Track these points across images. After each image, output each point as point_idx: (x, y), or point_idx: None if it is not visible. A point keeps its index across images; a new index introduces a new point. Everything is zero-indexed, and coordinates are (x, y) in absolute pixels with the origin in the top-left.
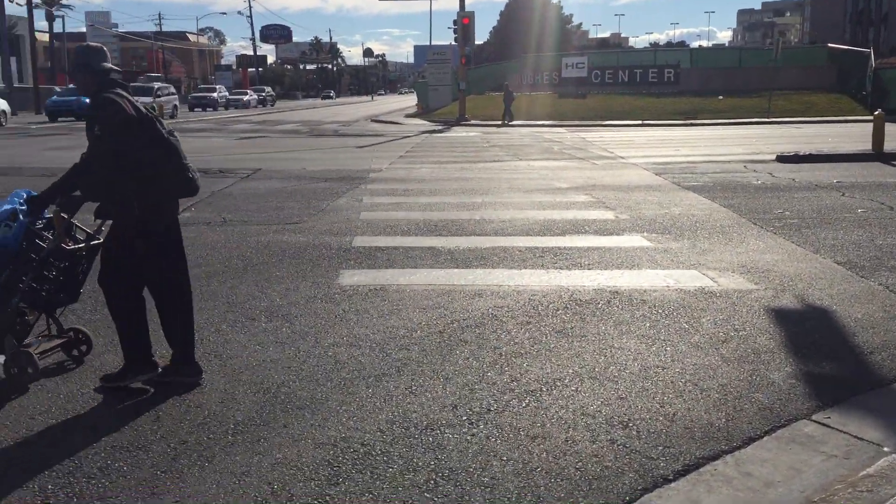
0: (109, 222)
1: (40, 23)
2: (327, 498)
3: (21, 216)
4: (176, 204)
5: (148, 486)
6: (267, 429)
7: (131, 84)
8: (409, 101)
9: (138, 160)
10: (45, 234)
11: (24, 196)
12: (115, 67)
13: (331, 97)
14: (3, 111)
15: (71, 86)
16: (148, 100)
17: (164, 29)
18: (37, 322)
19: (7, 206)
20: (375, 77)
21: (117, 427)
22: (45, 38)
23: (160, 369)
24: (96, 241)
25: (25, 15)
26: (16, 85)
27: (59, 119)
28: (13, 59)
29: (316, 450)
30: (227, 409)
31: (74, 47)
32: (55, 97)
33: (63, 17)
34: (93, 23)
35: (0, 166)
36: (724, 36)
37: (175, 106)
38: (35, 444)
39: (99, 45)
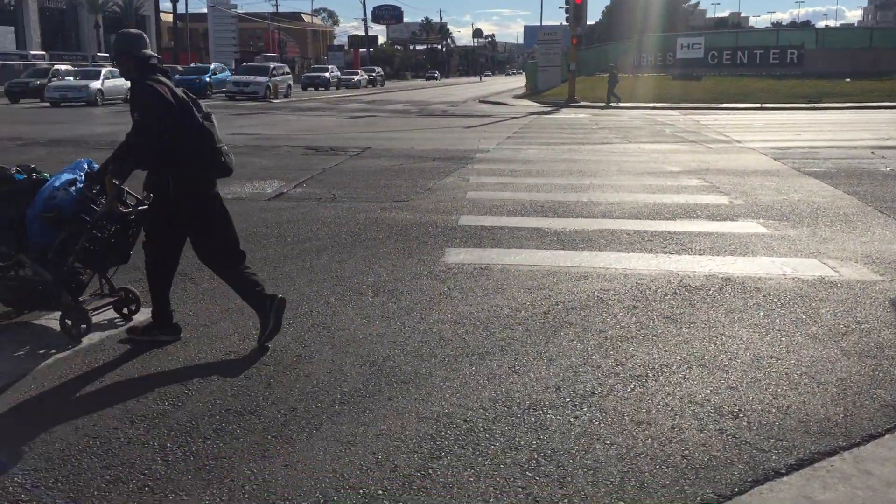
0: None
1: (165, 3)
2: (429, 471)
3: (78, 183)
4: (212, 183)
5: (259, 449)
6: (372, 400)
7: (249, 64)
8: (517, 82)
9: (173, 142)
10: (99, 199)
11: (86, 166)
12: (155, 54)
13: (435, 78)
14: (127, 89)
15: (192, 65)
16: (264, 79)
17: (280, 10)
18: (90, 281)
19: (66, 175)
20: (484, 58)
21: (231, 392)
22: (169, 18)
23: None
24: (143, 208)
25: None
26: None
27: None
28: None
29: (419, 423)
30: (334, 379)
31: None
32: (177, 76)
33: None
34: (213, 4)
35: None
36: (854, 15)
37: (289, 85)
38: (155, 403)
39: (138, 31)
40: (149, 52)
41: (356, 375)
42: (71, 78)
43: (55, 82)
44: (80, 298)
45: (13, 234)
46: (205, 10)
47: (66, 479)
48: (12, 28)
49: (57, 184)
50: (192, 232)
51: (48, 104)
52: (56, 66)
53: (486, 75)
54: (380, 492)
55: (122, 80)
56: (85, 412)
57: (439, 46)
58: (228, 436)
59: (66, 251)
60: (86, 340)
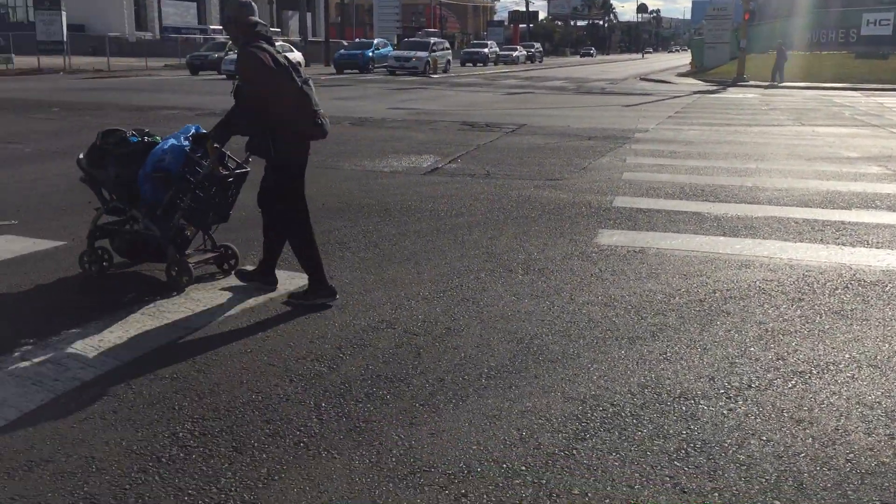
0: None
1: None
2: (573, 452)
3: (184, 147)
4: (307, 145)
5: (407, 416)
6: (518, 377)
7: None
8: (682, 59)
9: (274, 106)
10: (203, 161)
11: (193, 130)
12: (261, 21)
13: (590, 55)
14: (298, 62)
15: (356, 40)
16: (424, 55)
17: None
18: (194, 237)
19: (172, 140)
20: (647, 34)
21: (383, 359)
22: None
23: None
24: (242, 171)
25: None
26: (310, 39)
27: (345, 71)
28: (308, 15)
29: (565, 403)
30: (481, 353)
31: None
32: (342, 51)
33: None
34: None
35: None
36: None
37: (448, 61)
38: (312, 364)
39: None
40: (255, 18)
41: (503, 351)
42: None
43: (231, 55)
44: (186, 252)
45: (128, 192)
46: None
47: (230, 429)
48: (194, 3)
49: (166, 146)
50: (285, 182)
51: (224, 76)
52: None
53: (647, 52)
54: (522, 468)
55: (291, 54)
56: (248, 368)
57: (601, 22)
58: (379, 401)
59: (173, 209)
60: (251, 301)
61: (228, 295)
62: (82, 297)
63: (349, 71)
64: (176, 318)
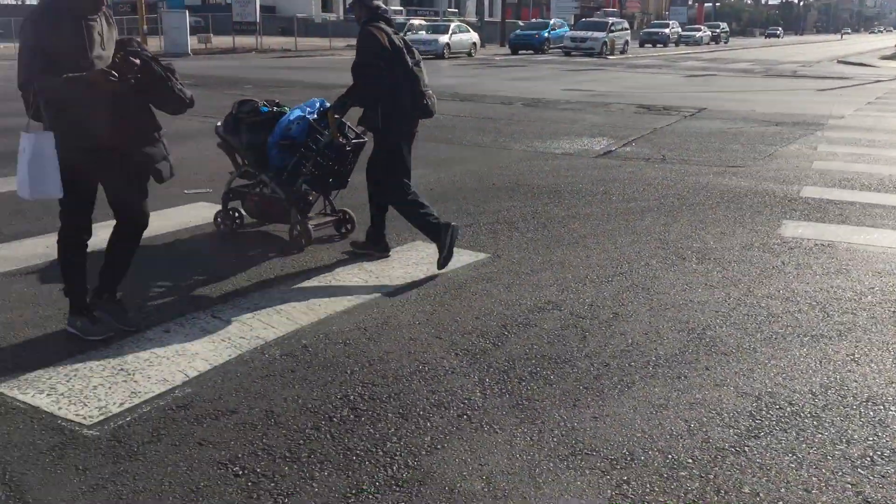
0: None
1: None
2: (745, 449)
3: (309, 117)
4: (414, 122)
5: (570, 398)
6: (688, 368)
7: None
8: (886, 41)
9: (385, 83)
10: (325, 131)
11: (318, 104)
12: (381, 4)
13: (776, 35)
14: (474, 43)
15: (533, 20)
16: (601, 35)
17: None
18: (315, 202)
19: (298, 111)
20: (848, 14)
21: (548, 340)
22: None
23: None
24: (360, 141)
25: None
26: (486, 19)
27: (520, 52)
28: None
29: (738, 398)
30: (650, 341)
31: None
32: (518, 31)
33: None
34: None
35: (466, 93)
36: None
37: (626, 42)
38: (478, 340)
39: None
40: (378, 2)
41: (673, 340)
42: (423, 32)
43: (409, 36)
44: (308, 216)
45: (257, 157)
46: None
47: (397, 396)
48: None
49: (292, 117)
50: (390, 155)
51: None
52: (411, 21)
53: (845, 33)
54: (689, 460)
55: (466, 35)
56: (415, 339)
57: (796, 0)
58: (542, 381)
59: (297, 174)
60: (420, 274)
61: (402, 269)
62: (269, 261)
63: (524, 52)
64: (349, 286)
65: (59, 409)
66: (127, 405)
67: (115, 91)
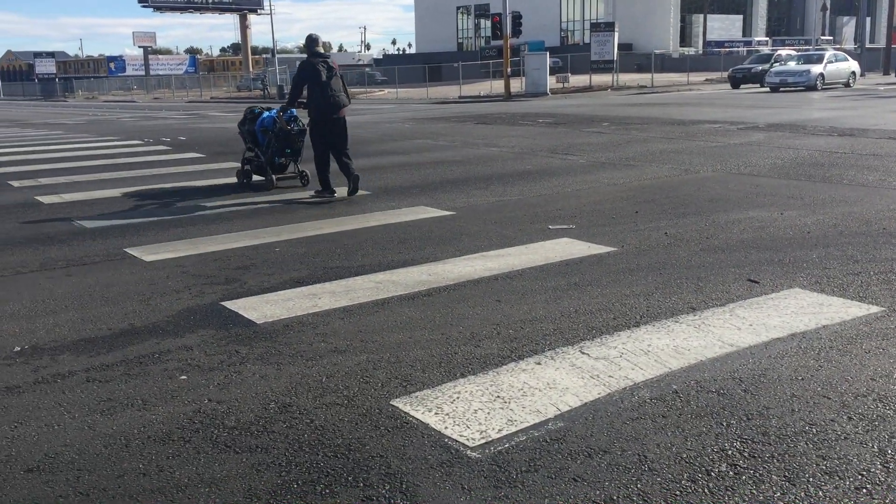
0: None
1: None
2: None
3: (273, 115)
4: (327, 117)
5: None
6: None
7: None
8: None
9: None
10: (289, 124)
11: (291, 112)
12: (319, 49)
13: None
14: (853, 72)
15: None
16: None
17: None
18: (288, 165)
19: (273, 112)
20: None
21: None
22: None
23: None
24: (300, 128)
25: None
26: (867, 45)
27: None
28: (867, 20)
29: None
30: None
31: None
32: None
33: None
34: None
35: (844, 127)
36: None
37: None
38: (875, 405)
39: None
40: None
41: None
42: (792, 63)
43: (776, 67)
44: (282, 174)
45: (251, 139)
46: None
47: (781, 457)
48: (740, 17)
49: (265, 115)
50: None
51: (767, 89)
52: (778, 52)
53: None
54: None
55: (844, 63)
56: (799, 397)
57: None
58: None
59: (269, 147)
60: (800, 325)
61: (778, 318)
62: (634, 299)
63: None
64: (719, 330)
65: (446, 428)
66: (505, 432)
67: None
